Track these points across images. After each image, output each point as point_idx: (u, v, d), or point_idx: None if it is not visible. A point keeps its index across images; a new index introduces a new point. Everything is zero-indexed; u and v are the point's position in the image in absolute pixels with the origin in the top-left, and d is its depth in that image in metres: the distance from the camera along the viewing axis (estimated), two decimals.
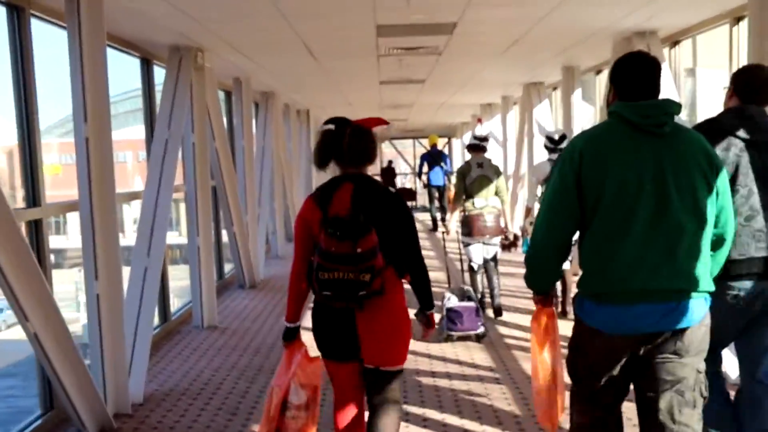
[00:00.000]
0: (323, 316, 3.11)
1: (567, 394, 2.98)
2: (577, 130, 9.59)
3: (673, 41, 7.16)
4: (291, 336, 3.26)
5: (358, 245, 2.88)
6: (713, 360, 3.05)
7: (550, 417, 3.22)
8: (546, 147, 7.00)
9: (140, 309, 5.54)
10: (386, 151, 27.41)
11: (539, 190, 6.80)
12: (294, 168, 14.34)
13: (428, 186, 17.52)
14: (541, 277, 2.89)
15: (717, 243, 2.73)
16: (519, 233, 7.70)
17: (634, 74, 2.66)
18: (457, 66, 9.51)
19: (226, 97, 10.46)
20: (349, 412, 3.22)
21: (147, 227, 5.87)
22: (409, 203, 24.94)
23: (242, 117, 9.62)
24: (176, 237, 14.29)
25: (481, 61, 9.33)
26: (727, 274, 2.96)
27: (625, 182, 2.54)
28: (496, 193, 6.87)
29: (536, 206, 6.78)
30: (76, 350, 4.26)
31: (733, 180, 2.98)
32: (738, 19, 5.83)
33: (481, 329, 6.32)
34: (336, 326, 3.08)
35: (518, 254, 11.00)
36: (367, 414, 3.29)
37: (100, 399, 4.53)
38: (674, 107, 2.65)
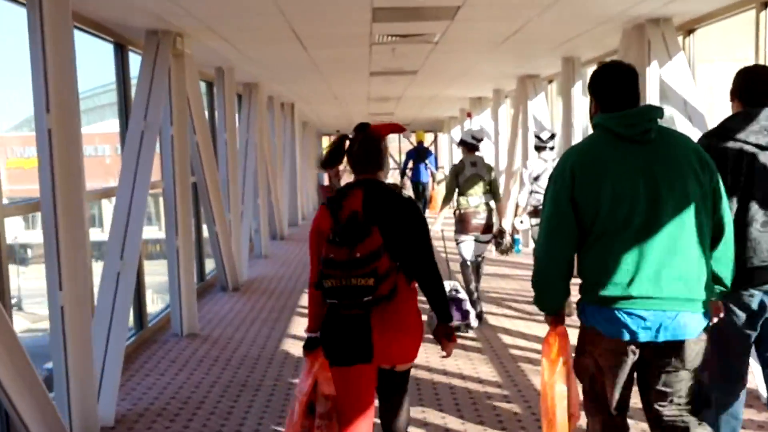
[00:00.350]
0: (335, 322, 3.02)
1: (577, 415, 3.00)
2: (577, 125, 9.15)
3: (688, 29, 6.71)
4: (312, 346, 3.22)
5: (357, 250, 2.83)
6: (733, 389, 3.14)
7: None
8: (535, 146, 7.06)
9: (112, 319, 5.00)
10: None
11: (526, 189, 6.92)
12: (278, 164, 13.79)
13: (413, 183, 17.85)
14: (548, 298, 2.88)
15: (716, 241, 2.72)
16: (510, 230, 7.49)
17: (613, 84, 2.69)
18: (451, 57, 9.02)
19: (208, 89, 9.89)
20: (359, 420, 3.12)
21: (120, 228, 5.32)
22: None
23: (225, 109, 9.07)
24: (156, 231, 13.70)
25: (477, 51, 8.86)
26: (750, 281, 2.95)
27: (619, 193, 2.58)
28: (491, 192, 6.82)
29: (524, 203, 6.96)
30: (33, 369, 3.71)
31: (749, 186, 2.95)
32: (766, 5, 5.38)
33: (470, 321, 6.36)
34: (348, 331, 2.99)
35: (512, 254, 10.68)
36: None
37: (63, 425, 3.99)
38: (657, 112, 2.70)
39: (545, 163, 6.87)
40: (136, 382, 5.47)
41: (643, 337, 2.62)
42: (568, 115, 9.16)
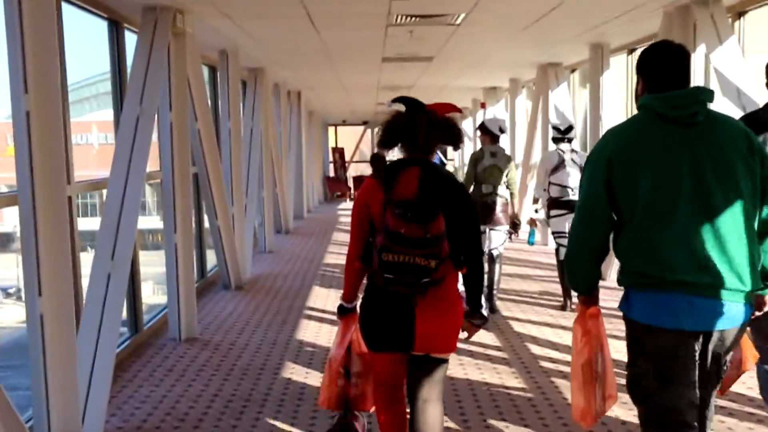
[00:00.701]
0: (378, 303, 3.02)
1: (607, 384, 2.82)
2: (606, 116, 8.58)
3: (738, 11, 6.13)
4: (347, 311, 3.35)
5: (429, 229, 2.80)
6: None
7: (586, 414, 2.91)
8: (553, 138, 6.93)
9: (101, 325, 4.46)
10: None
11: (544, 181, 6.80)
12: (284, 154, 13.23)
13: None
14: (580, 279, 2.84)
15: (764, 231, 2.61)
16: (527, 221, 7.59)
17: (663, 64, 2.59)
18: (471, 41, 8.45)
19: (211, 74, 9.33)
20: (392, 405, 3.19)
21: (111, 224, 4.77)
22: None
23: (228, 95, 8.50)
24: (159, 222, 13.17)
25: (499, 36, 8.30)
26: None
27: (662, 177, 2.49)
28: (507, 185, 6.71)
29: (542, 195, 6.91)
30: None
31: None
32: None
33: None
34: (391, 312, 2.98)
35: (530, 253, 10.14)
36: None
37: None
38: (706, 95, 2.60)
39: (563, 155, 6.73)
40: (127, 394, 4.93)
41: (702, 325, 2.51)
42: (596, 106, 8.59)
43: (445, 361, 3.09)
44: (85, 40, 20.02)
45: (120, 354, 5.61)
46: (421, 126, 2.97)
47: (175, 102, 6.06)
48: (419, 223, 2.79)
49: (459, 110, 3.16)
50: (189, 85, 6.58)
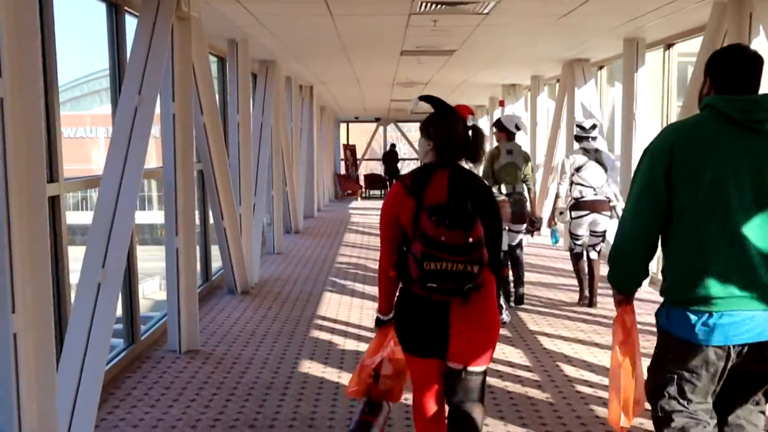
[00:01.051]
0: (413, 309, 2.94)
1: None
2: (639, 116, 8.02)
3: None
4: (384, 323, 3.18)
5: (470, 235, 2.72)
6: None
7: (623, 416, 2.88)
8: (576, 136, 6.83)
9: (88, 343, 3.95)
10: (391, 134, 25.82)
11: (567, 180, 6.75)
12: (295, 151, 12.72)
13: None
14: (626, 276, 2.72)
15: None
16: (547, 222, 7.61)
17: (735, 67, 2.52)
18: (497, 33, 7.92)
19: (219, 65, 8.82)
20: (431, 411, 3.06)
21: (103, 227, 4.27)
22: None
23: (238, 88, 7.98)
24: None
25: (528, 29, 7.78)
26: None
27: (721, 180, 2.41)
28: (523, 181, 6.70)
29: (564, 194, 6.85)
30: None
31: None
32: None
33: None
34: (426, 320, 2.91)
35: (553, 259, 9.61)
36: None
37: None
38: None
39: (587, 154, 6.70)
40: (119, 416, 4.42)
41: (739, 339, 2.43)
42: (630, 105, 8.03)
43: (483, 372, 2.98)
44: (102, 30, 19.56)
45: (113, 369, 5.12)
46: (461, 131, 2.94)
47: (178, 92, 5.54)
48: (459, 229, 2.70)
49: (472, 112, 3.08)
50: (194, 75, 6.08)
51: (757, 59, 2.54)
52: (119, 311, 4.78)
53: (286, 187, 11.78)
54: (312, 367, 5.30)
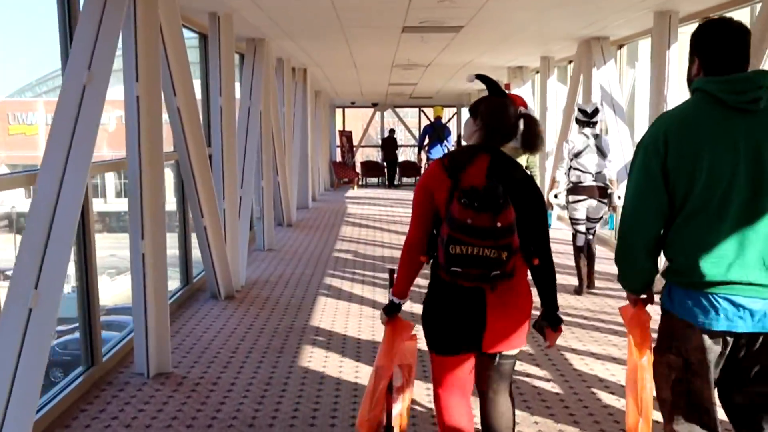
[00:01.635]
0: (445, 300, 2.80)
1: None
2: (671, 99, 7.17)
3: None
4: (395, 311, 2.98)
5: (498, 219, 2.62)
6: None
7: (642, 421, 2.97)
8: (577, 120, 6.76)
9: (14, 382, 3.11)
10: (388, 120, 24.91)
11: (566, 164, 6.78)
12: (287, 138, 11.83)
13: (428, 160, 17.90)
14: (633, 277, 2.64)
15: None
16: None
17: (721, 44, 2.38)
18: (510, 7, 7.06)
19: (202, 42, 7.93)
20: (460, 408, 2.94)
21: (37, 236, 3.41)
22: (409, 178, 23.48)
23: (220, 67, 7.10)
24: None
25: (545, 2, 6.90)
26: None
27: (717, 166, 2.32)
28: (526, 167, 5.97)
29: (563, 178, 6.83)
30: None
31: None
32: None
33: None
34: (460, 310, 2.78)
35: (567, 255, 8.81)
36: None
37: None
38: None
39: (587, 139, 6.64)
40: None
41: (742, 327, 2.34)
42: (660, 86, 7.17)
43: (515, 356, 2.93)
44: None
45: (66, 399, 4.29)
46: (513, 118, 2.86)
47: (143, 70, 4.67)
48: (488, 212, 2.62)
49: (525, 105, 3.08)
50: (165, 52, 5.21)
51: (746, 32, 2.39)
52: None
53: (277, 177, 10.92)
54: (303, 396, 4.47)
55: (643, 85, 9.84)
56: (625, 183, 8.51)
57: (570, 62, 12.00)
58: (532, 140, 2.94)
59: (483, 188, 2.65)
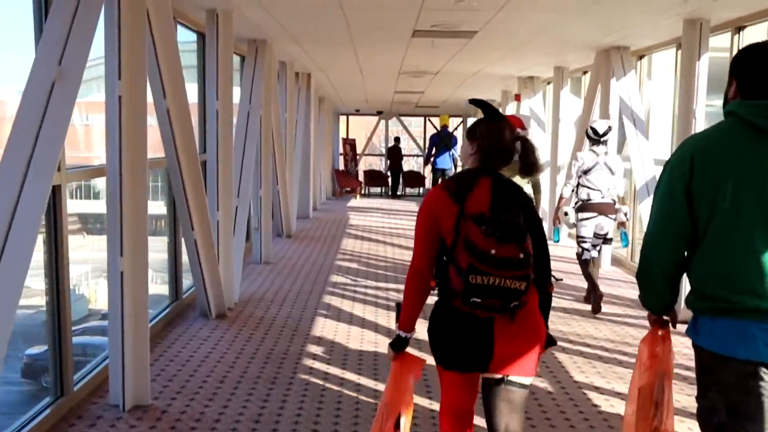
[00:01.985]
0: (452, 325, 2.72)
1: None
2: (700, 113, 6.69)
3: None
4: (402, 346, 2.87)
5: (522, 249, 2.58)
6: None
7: None
8: (588, 137, 6.75)
9: None
10: (392, 128, 24.44)
11: (573, 181, 6.76)
12: (288, 145, 11.35)
13: (434, 169, 17.20)
14: (653, 298, 2.58)
15: None
16: (551, 220, 7.70)
17: (762, 68, 2.32)
18: (529, 11, 6.63)
19: (200, 41, 7.46)
20: (461, 426, 2.88)
21: None
22: (413, 189, 23.02)
23: (218, 68, 6.61)
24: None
25: (565, 8, 6.45)
26: None
27: (743, 188, 2.26)
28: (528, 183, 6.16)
29: (569, 195, 6.85)
30: None
31: None
32: None
33: None
34: (468, 336, 2.70)
35: (554, 261, 8.32)
36: None
37: None
38: None
39: (597, 157, 6.63)
40: None
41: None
42: (689, 97, 6.67)
43: (526, 386, 2.80)
44: None
45: (36, 429, 3.78)
46: (512, 140, 2.84)
47: (127, 66, 4.18)
48: (511, 242, 2.55)
49: (523, 126, 3.10)
50: (155, 49, 4.73)
51: None
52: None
53: (277, 186, 10.43)
54: None
55: (659, 99, 9.35)
56: (640, 200, 8.13)
57: (585, 72, 11.55)
58: (529, 165, 2.97)
59: (505, 217, 2.61)
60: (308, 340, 5.85)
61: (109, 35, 4.11)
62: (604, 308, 6.82)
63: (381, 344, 5.68)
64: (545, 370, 5.11)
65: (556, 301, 5.70)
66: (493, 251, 2.53)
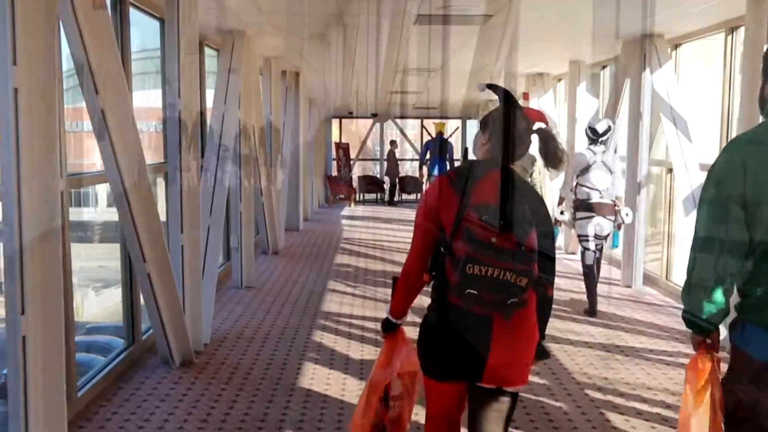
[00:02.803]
0: (448, 324, 2.59)
1: None
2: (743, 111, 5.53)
3: None
4: (393, 328, 2.93)
5: (524, 241, 2.48)
6: None
7: None
8: (587, 136, 6.67)
9: None
10: (388, 131, 23.29)
11: (573, 180, 6.71)
12: (275, 152, 10.16)
13: (429, 175, 17.56)
14: (701, 313, 2.37)
15: None
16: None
17: None
18: None
19: (161, 31, 6.28)
20: None
21: None
22: (410, 194, 22.08)
23: (179, 61, 5.40)
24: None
25: None
26: None
27: None
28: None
29: (567, 194, 6.94)
30: None
31: None
32: None
33: None
34: (463, 337, 2.58)
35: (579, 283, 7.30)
36: None
37: None
38: None
39: (594, 155, 6.56)
40: None
41: None
42: (753, 90, 5.54)
43: (516, 394, 2.67)
44: None
45: None
46: (528, 135, 2.72)
47: (25, 49, 3.00)
48: (512, 233, 2.46)
49: (544, 120, 2.77)
50: (80, 30, 3.57)
51: None
52: None
53: (262, 198, 9.25)
54: None
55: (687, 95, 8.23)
56: (687, 212, 7.03)
57: (604, 67, 10.45)
58: (551, 157, 2.75)
59: (508, 207, 2.51)
60: (293, 398, 4.67)
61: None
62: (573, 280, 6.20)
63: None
64: (546, 370, 3.96)
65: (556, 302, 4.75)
66: (493, 240, 2.45)
